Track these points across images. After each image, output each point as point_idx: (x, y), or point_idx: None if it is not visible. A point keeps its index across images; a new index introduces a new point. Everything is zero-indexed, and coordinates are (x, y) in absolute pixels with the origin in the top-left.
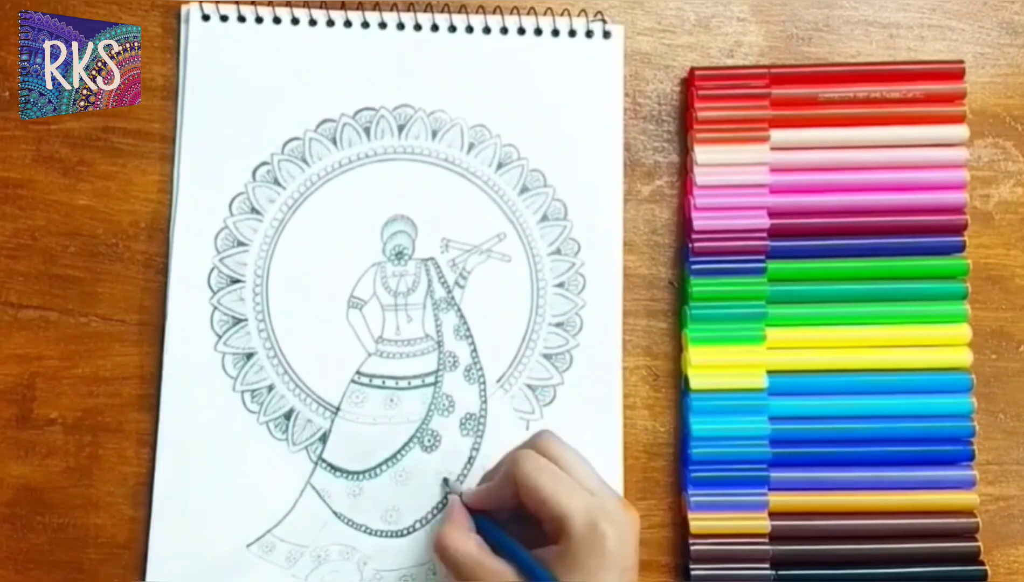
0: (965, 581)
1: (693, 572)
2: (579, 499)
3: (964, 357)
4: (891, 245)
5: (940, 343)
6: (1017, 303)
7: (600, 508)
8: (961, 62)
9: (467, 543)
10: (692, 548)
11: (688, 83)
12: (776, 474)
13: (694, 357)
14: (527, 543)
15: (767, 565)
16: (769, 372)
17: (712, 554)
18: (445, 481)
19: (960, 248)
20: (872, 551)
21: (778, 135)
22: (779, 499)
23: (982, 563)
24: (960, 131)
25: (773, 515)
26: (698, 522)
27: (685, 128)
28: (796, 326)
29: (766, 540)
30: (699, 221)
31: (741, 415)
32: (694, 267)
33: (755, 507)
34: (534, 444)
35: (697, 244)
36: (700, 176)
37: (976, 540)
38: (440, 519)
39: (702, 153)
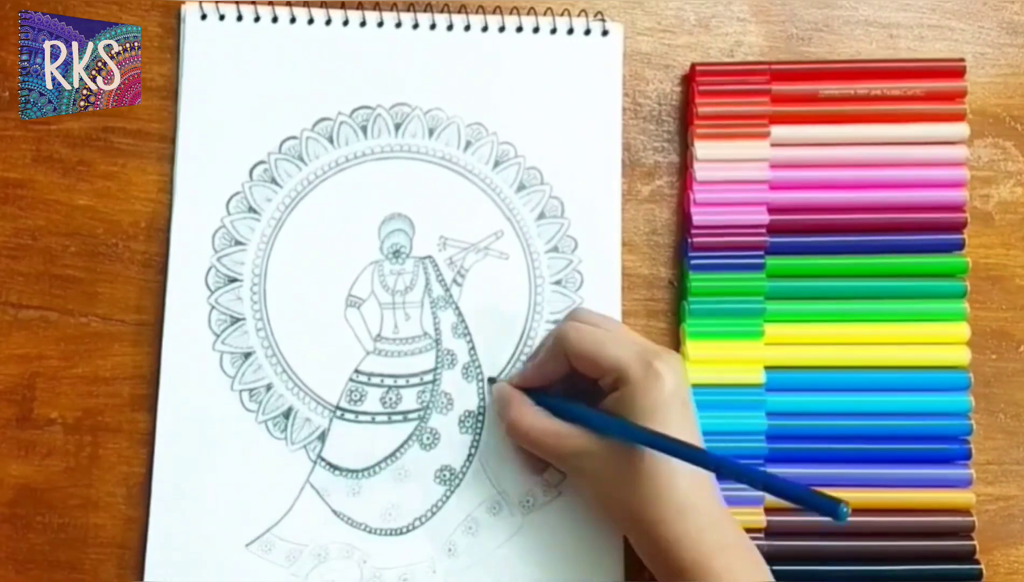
0: (960, 580)
1: None
2: (630, 347)
3: (962, 355)
4: (890, 242)
5: (938, 341)
6: (1017, 303)
7: (651, 351)
8: (962, 60)
9: (539, 417)
10: None
11: (689, 79)
12: (772, 470)
13: (691, 351)
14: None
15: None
16: (767, 368)
17: None
18: (491, 379)
19: (960, 246)
20: (867, 548)
21: (778, 131)
22: None
23: (977, 562)
24: (960, 129)
25: (769, 511)
26: None
27: (685, 126)
28: (794, 322)
29: (762, 536)
30: (698, 216)
31: (738, 410)
32: (693, 262)
33: (751, 502)
34: (573, 316)
35: (696, 239)
36: (700, 172)
37: (972, 539)
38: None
39: (702, 149)
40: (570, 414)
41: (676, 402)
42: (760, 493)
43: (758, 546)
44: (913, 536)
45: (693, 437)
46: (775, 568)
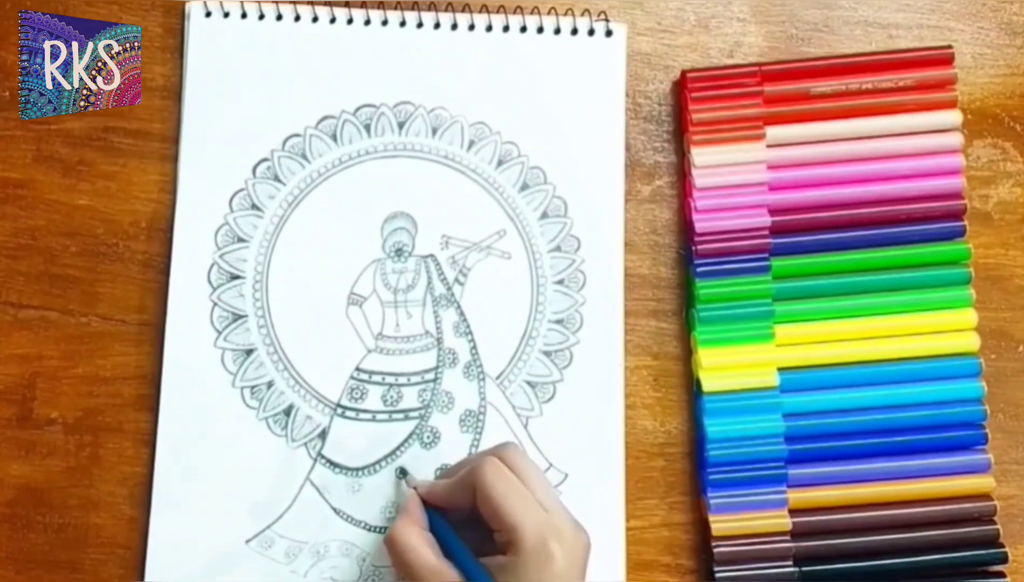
0: (985, 565)
1: (718, 574)
2: (533, 515)
3: (971, 342)
4: (892, 234)
5: (947, 329)
6: (1017, 303)
7: (553, 527)
8: (950, 47)
9: (418, 541)
10: (715, 550)
11: (680, 85)
12: (794, 471)
13: (704, 359)
14: (477, 550)
15: (790, 562)
16: (780, 369)
17: (735, 556)
18: (402, 470)
19: (961, 233)
20: (893, 541)
21: (773, 132)
22: (798, 495)
23: (1001, 545)
24: (953, 116)
25: (793, 512)
26: (719, 524)
27: (681, 130)
28: (803, 321)
29: (788, 537)
30: (701, 223)
31: (755, 414)
32: (699, 270)
33: (775, 505)
34: (498, 453)
35: (700, 246)
36: (699, 178)
37: (995, 523)
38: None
39: (699, 155)
40: (450, 551)
41: None
42: (783, 496)
43: (785, 549)
44: (936, 525)
45: None
46: (804, 569)
